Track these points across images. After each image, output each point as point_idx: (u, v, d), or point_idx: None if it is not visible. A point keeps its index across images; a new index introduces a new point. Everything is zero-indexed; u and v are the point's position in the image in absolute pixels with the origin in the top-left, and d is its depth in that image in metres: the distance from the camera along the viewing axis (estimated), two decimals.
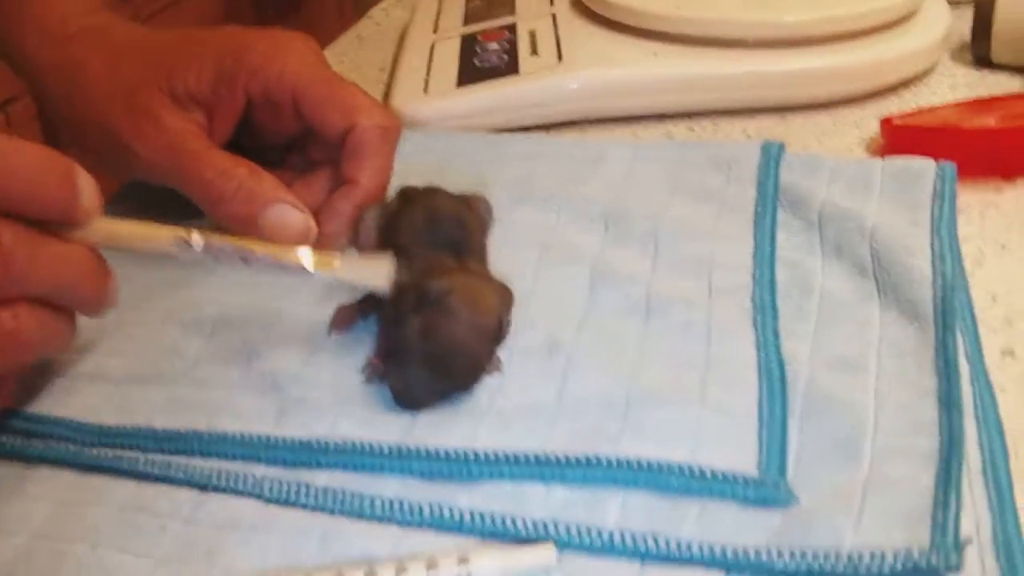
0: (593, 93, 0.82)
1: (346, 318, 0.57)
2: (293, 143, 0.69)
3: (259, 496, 0.47)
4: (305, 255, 0.52)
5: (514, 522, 0.44)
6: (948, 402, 0.47)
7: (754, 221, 0.63)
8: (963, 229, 0.63)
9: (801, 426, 0.48)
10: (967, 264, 0.60)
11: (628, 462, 0.45)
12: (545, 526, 0.43)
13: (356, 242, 0.58)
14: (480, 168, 0.72)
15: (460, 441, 0.48)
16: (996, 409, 0.48)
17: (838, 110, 0.82)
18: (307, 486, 0.47)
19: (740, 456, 0.46)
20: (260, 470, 0.48)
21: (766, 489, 0.44)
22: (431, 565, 0.41)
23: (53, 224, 0.47)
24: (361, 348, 0.55)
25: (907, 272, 0.55)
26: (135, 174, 0.63)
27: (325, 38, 1.01)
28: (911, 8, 0.85)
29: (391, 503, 0.45)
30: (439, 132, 0.80)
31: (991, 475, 0.45)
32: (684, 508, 0.44)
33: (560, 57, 0.84)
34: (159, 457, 0.49)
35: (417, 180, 0.61)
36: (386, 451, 0.47)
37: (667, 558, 0.42)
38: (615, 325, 0.55)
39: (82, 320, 0.52)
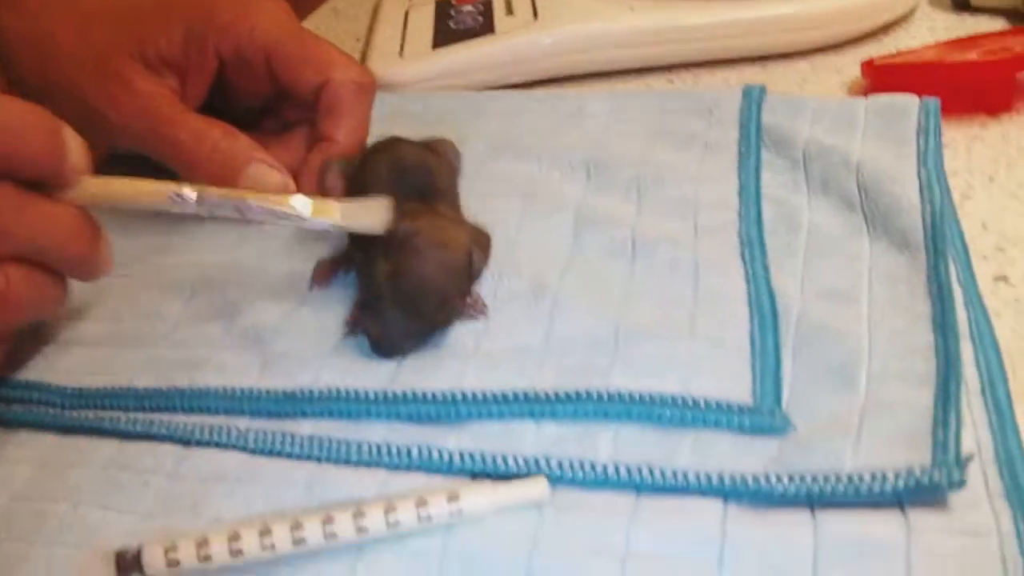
0: (570, 48, 0.81)
1: (326, 272, 0.56)
2: (267, 106, 0.68)
3: (243, 448, 0.46)
4: (301, 203, 0.51)
5: (504, 460, 0.43)
6: (943, 325, 0.46)
7: (738, 162, 0.62)
8: (950, 163, 0.62)
9: (794, 356, 0.47)
10: (956, 197, 0.59)
11: (619, 395, 0.44)
12: (537, 462, 0.43)
13: (324, 190, 0.57)
14: (459, 126, 0.71)
15: (447, 383, 0.47)
16: (992, 331, 0.48)
17: (818, 57, 0.81)
18: (292, 436, 0.46)
19: (733, 386, 0.45)
20: (244, 422, 0.47)
21: (762, 417, 0.43)
22: (421, 504, 0.40)
23: (41, 183, 0.46)
24: (343, 302, 0.54)
25: (895, 202, 0.54)
26: (110, 142, 0.62)
27: (301, 12, 1.00)
28: None
29: (378, 447, 0.45)
30: (416, 94, 0.78)
31: (990, 395, 0.44)
32: (678, 439, 0.43)
33: (536, 15, 0.83)
34: (141, 415, 0.48)
35: None
36: (371, 396, 0.47)
37: (663, 488, 0.41)
38: (601, 267, 0.54)
39: None
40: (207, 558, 0.39)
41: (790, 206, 0.58)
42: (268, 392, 0.48)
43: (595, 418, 0.44)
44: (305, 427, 0.46)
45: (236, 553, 0.39)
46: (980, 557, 0.37)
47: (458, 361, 0.49)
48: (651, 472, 0.41)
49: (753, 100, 0.67)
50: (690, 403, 0.44)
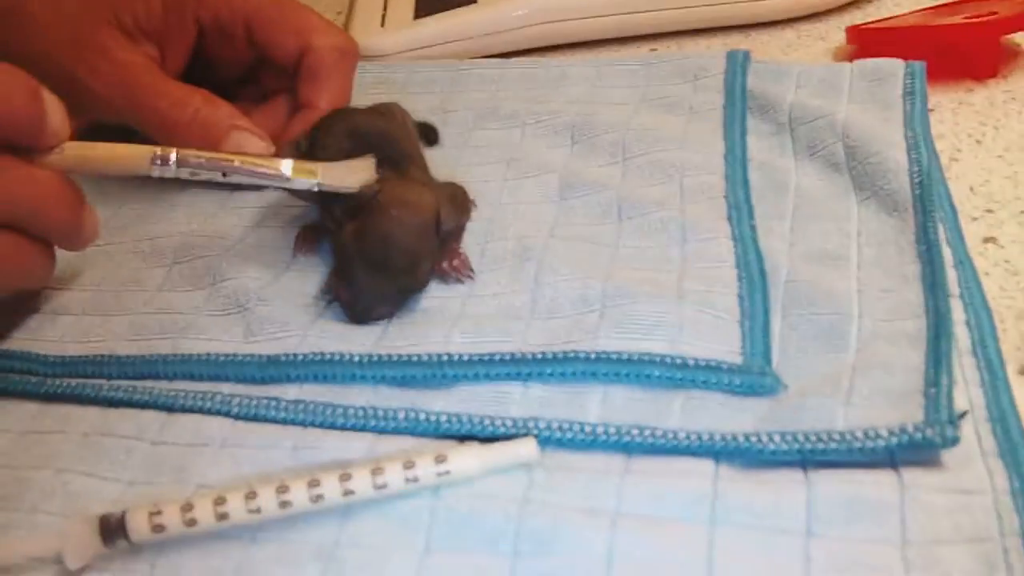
0: (553, 17, 0.80)
1: (309, 239, 0.55)
2: (247, 75, 0.67)
3: (227, 414, 0.45)
4: (283, 164, 0.50)
5: (492, 422, 0.42)
6: (933, 285, 0.46)
7: (723, 126, 0.61)
8: (936, 128, 0.62)
9: (783, 317, 0.47)
10: (943, 160, 0.59)
11: (607, 355, 0.44)
12: (525, 424, 0.42)
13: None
14: (442, 94, 0.71)
15: (434, 346, 0.46)
16: (981, 290, 0.47)
17: (802, 25, 0.81)
18: (276, 400, 0.45)
19: (723, 346, 0.45)
20: (228, 388, 0.47)
21: (752, 376, 0.43)
22: (408, 465, 0.40)
23: (21, 148, 0.45)
24: (327, 268, 0.53)
25: (882, 164, 0.54)
26: (89, 113, 0.61)
27: None
28: None
29: (364, 411, 0.44)
30: (398, 63, 0.78)
31: (981, 354, 0.44)
32: (668, 399, 0.43)
33: None
34: (124, 383, 0.48)
35: None
36: (357, 359, 0.46)
37: (653, 449, 0.41)
38: (586, 230, 0.54)
39: None
40: (192, 522, 0.39)
41: (776, 169, 0.57)
42: (252, 357, 0.47)
43: (583, 379, 0.44)
44: (290, 392, 0.46)
45: (222, 517, 0.39)
46: (975, 514, 0.37)
47: (444, 324, 0.48)
48: (641, 432, 0.41)
49: (738, 65, 0.67)
50: (679, 363, 0.43)
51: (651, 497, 0.39)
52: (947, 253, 0.48)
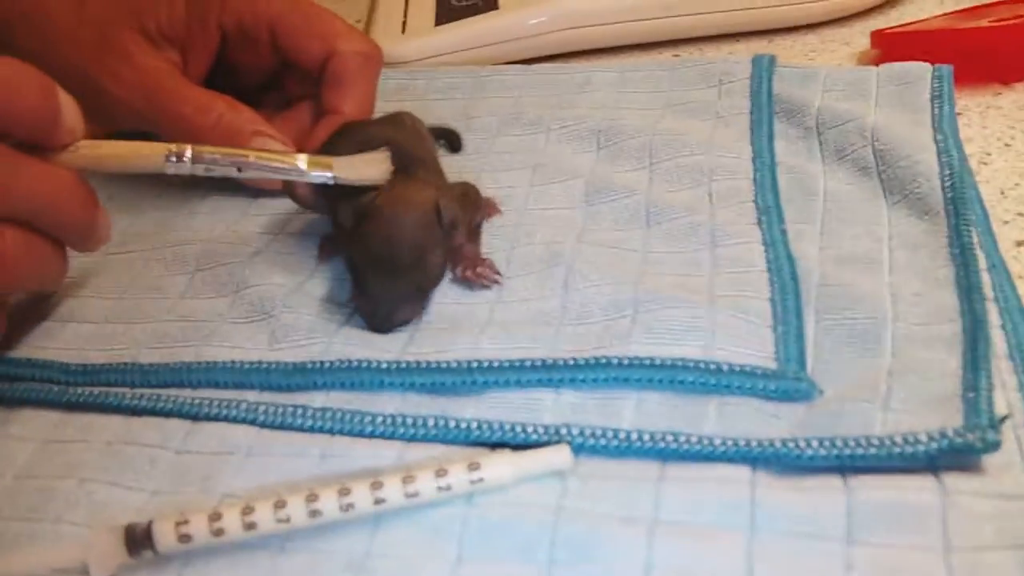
0: (575, 23, 0.79)
1: (333, 248, 0.54)
2: (270, 81, 0.67)
3: (253, 422, 0.45)
4: (299, 158, 0.50)
5: (524, 429, 0.42)
6: (968, 288, 0.45)
7: (750, 130, 0.61)
8: (965, 131, 0.61)
9: (816, 321, 0.46)
10: (972, 164, 0.59)
11: (640, 361, 0.43)
12: (557, 431, 0.41)
13: (294, 197, 0.56)
14: (464, 101, 0.70)
15: (462, 353, 0.46)
16: (1016, 293, 0.47)
17: (826, 30, 0.80)
18: (303, 408, 0.45)
19: (756, 351, 0.44)
20: (253, 396, 0.46)
21: (787, 381, 0.42)
22: (440, 473, 0.39)
23: (34, 147, 0.45)
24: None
25: (913, 167, 0.53)
26: (111, 120, 0.61)
27: None
28: None
29: (392, 418, 0.43)
30: (420, 70, 0.77)
31: (1018, 358, 0.43)
32: (702, 405, 0.42)
33: None
34: (147, 391, 0.47)
35: None
36: (384, 366, 0.45)
37: (689, 456, 0.40)
38: (614, 235, 0.53)
39: None
40: (220, 532, 0.38)
41: (805, 173, 0.57)
42: (277, 365, 0.47)
43: (616, 385, 0.43)
44: (317, 399, 0.45)
45: (250, 526, 0.38)
46: (1017, 520, 0.36)
47: (472, 330, 0.47)
48: (676, 439, 0.40)
49: (763, 69, 0.66)
50: (713, 368, 0.43)
51: (688, 504, 0.38)
52: (980, 257, 0.47)
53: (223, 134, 0.56)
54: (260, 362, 0.47)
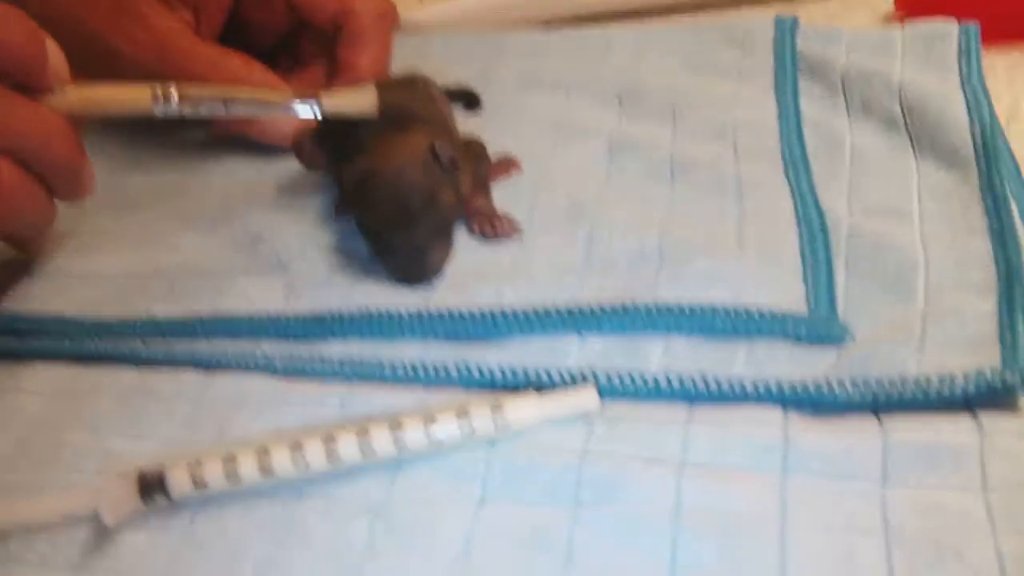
0: None
1: (345, 208, 0.53)
2: (284, 42, 0.66)
3: (270, 371, 0.44)
4: (285, 93, 0.50)
5: (548, 374, 0.41)
6: (1002, 235, 0.44)
7: (774, 86, 0.60)
8: (993, 89, 0.59)
9: (847, 270, 0.45)
10: (1001, 121, 0.57)
11: (668, 307, 0.42)
12: (583, 375, 0.40)
13: (300, 158, 0.56)
14: (482, 65, 0.69)
15: (485, 302, 0.45)
16: None
17: None
18: (321, 356, 0.44)
19: (787, 296, 0.43)
20: (270, 345, 0.45)
21: (819, 325, 0.41)
22: (463, 415, 0.38)
23: (24, 87, 0.45)
24: None
25: (942, 119, 0.52)
26: (114, 77, 0.60)
27: None
28: None
29: (413, 366, 0.42)
30: (437, 35, 0.76)
31: None
32: (731, 349, 0.41)
33: None
34: (161, 343, 0.46)
35: None
36: (405, 316, 0.44)
37: (718, 398, 0.39)
38: (639, 189, 0.52)
39: (77, 224, 0.52)
40: (235, 477, 0.37)
41: (831, 128, 0.55)
42: (295, 316, 0.46)
43: (643, 330, 0.42)
44: (335, 348, 0.44)
45: (266, 471, 0.37)
46: None
47: (495, 281, 0.46)
48: (705, 381, 0.39)
49: (787, 29, 0.65)
50: (743, 313, 0.42)
51: (718, 446, 0.37)
52: (1013, 206, 0.46)
53: None
54: (277, 314, 0.46)
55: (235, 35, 0.63)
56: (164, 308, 0.48)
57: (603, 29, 0.72)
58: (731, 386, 0.39)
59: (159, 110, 0.47)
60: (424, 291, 0.46)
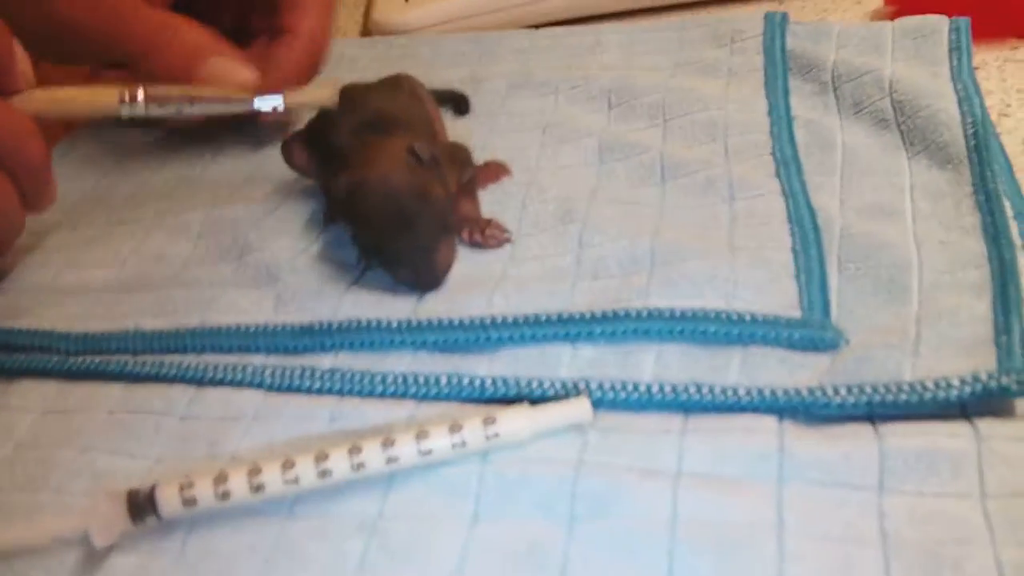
0: None
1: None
2: (239, 21, 0.66)
3: (260, 385, 0.43)
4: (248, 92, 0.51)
5: (541, 384, 0.40)
6: (995, 234, 0.44)
7: (765, 85, 0.60)
8: (984, 84, 0.59)
9: (840, 271, 0.45)
10: (993, 116, 0.57)
11: (660, 312, 0.42)
12: (575, 385, 0.40)
13: (291, 164, 0.55)
14: (471, 66, 0.69)
15: (475, 310, 0.44)
16: None
17: None
18: (311, 370, 0.43)
19: (780, 301, 0.43)
20: (259, 359, 0.45)
21: (812, 330, 0.41)
22: (455, 429, 0.37)
23: None
24: None
25: (933, 117, 0.52)
26: (72, 56, 0.59)
27: None
28: None
29: (404, 378, 0.42)
30: (425, 37, 0.76)
31: None
32: (725, 357, 0.41)
33: None
34: (150, 357, 0.46)
35: None
36: (395, 326, 0.44)
37: (712, 407, 0.39)
38: (630, 192, 0.52)
39: (63, 235, 0.51)
40: (226, 495, 0.37)
41: (822, 127, 0.55)
42: (284, 327, 0.45)
43: (635, 338, 0.42)
44: (325, 361, 0.44)
45: (257, 488, 0.37)
46: None
47: (485, 288, 0.46)
48: (699, 390, 0.39)
49: (776, 25, 0.65)
50: (735, 318, 0.41)
51: (714, 455, 0.37)
52: (1007, 205, 0.46)
53: (180, 51, 0.55)
54: (266, 325, 0.46)
55: (189, 11, 0.63)
56: (152, 321, 0.47)
57: (592, 29, 0.71)
58: (725, 395, 0.39)
59: (125, 111, 0.48)
60: (414, 301, 0.46)
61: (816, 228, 0.46)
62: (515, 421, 0.38)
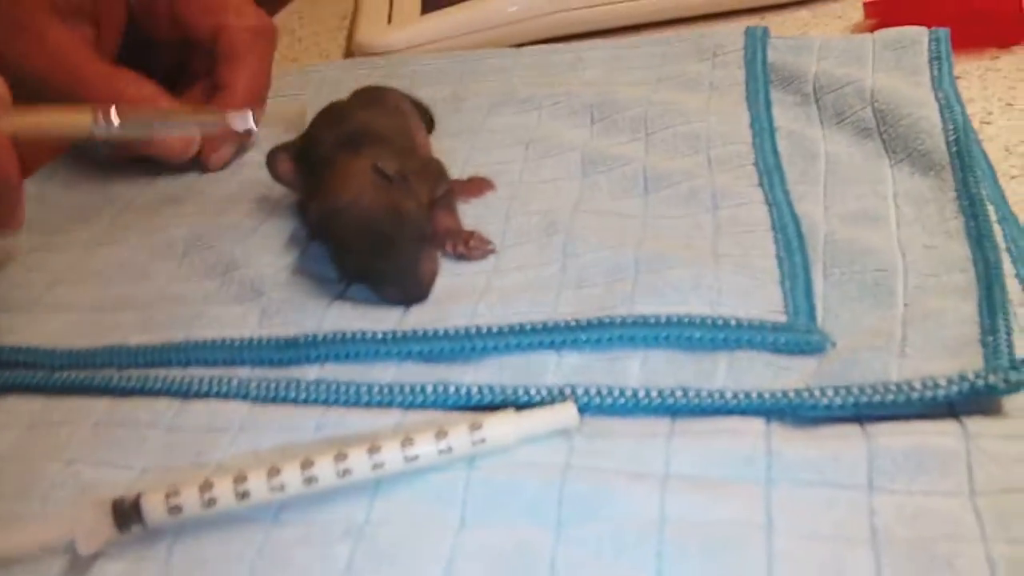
0: (563, 4, 0.78)
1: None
2: (182, 62, 0.67)
3: (245, 397, 0.43)
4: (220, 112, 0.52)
5: (527, 391, 0.40)
6: (979, 237, 0.44)
7: (746, 97, 0.60)
8: (965, 93, 0.59)
9: (825, 276, 0.45)
10: (975, 124, 0.57)
11: (645, 319, 0.42)
12: (561, 392, 0.40)
13: (274, 175, 0.55)
14: (453, 85, 0.69)
15: (460, 320, 0.44)
16: None
17: (817, 5, 0.79)
18: (297, 381, 0.43)
19: (765, 306, 0.43)
20: (245, 372, 0.45)
21: (798, 334, 0.41)
22: (440, 435, 0.37)
23: None
24: None
25: (915, 124, 0.52)
26: (34, 98, 0.60)
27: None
28: None
29: (389, 387, 0.42)
30: (407, 57, 0.76)
31: None
32: (711, 360, 0.40)
33: None
34: (135, 372, 0.46)
35: None
36: (380, 337, 0.44)
37: (699, 410, 0.39)
38: (613, 202, 0.52)
39: (48, 255, 0.52)
40: (211, 502, 0.36)
41: (805, 137, 0.55)
42: (269, 340, 0.45)
43: (620, 345, 0.42)
44: (310, 372, 0.44)
45: (243, 496, 0.37)
46: None
47: (470, 299, 0.46)
48: (686, 394, 0.39)
49: (757, 40, 0.65)
50: (720, 324, 0.41)
51: (702, 458, 0.37)
52: (991, 209, 0.46)
53: (131, 103, 0.56)
54: (251, 338, 0.46)
55: (137, 53, 0.63)
56: (138, 337, 0.47)
57: (573, 47, 0.72)
58: (712, 398, 0.38)
59: (99, 131, 0.47)
60: (399, 313, 0.46)
61: (800, 235, 0.46)
62: (501, 427, 0.38)
